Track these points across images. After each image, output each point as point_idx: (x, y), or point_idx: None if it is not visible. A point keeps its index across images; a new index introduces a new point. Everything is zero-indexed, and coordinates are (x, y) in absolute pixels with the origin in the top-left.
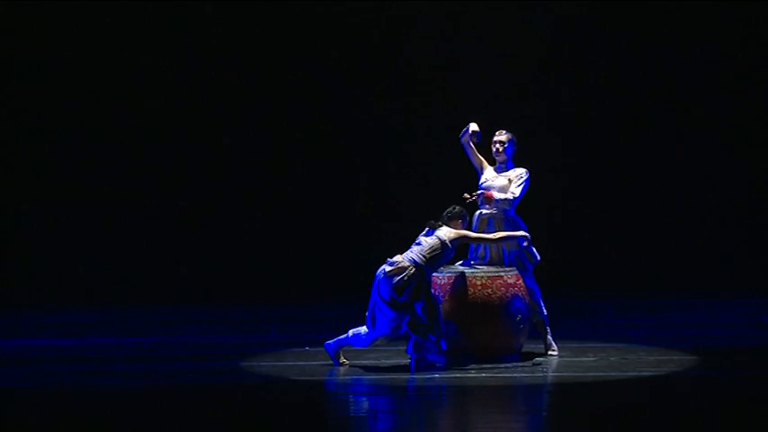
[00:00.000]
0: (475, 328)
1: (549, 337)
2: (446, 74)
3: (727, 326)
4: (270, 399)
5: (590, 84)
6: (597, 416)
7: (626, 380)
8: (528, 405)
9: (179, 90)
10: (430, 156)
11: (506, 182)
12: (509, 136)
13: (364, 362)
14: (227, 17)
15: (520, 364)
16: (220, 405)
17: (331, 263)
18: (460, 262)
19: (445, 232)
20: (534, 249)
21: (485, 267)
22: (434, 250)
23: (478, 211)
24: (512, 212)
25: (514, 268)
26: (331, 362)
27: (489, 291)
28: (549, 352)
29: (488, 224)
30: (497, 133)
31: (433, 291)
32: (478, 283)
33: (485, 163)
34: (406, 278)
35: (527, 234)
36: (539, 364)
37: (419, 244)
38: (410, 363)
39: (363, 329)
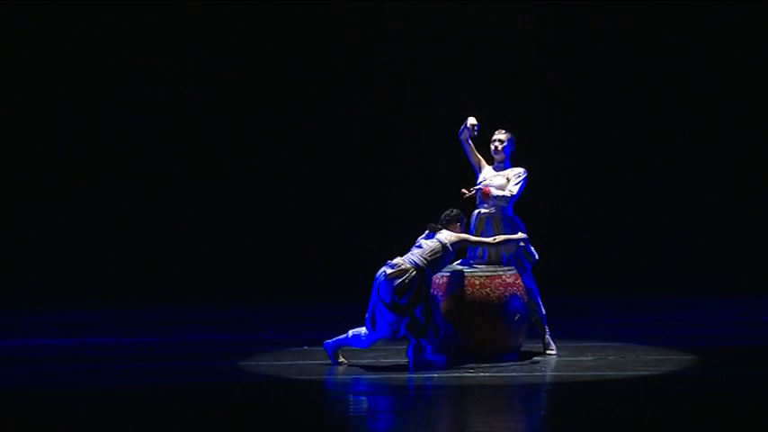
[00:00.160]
0: (473, 327)
1: (548, 336)
2: (446, 74)
3: (726, 325)
4: (268, 398)
5: (590, 83)
6: (595, 415)
7: (624, 379)
8: (526, 404)
9: (179, 90)
10: (429, 156)
11: (504, 180)
12: (508, 135)
13: (363, 361)
14: (226, 17)
15: (518, 363)
16: (219, 404)
17: (330, 263)
18: (459, 261)
19: (446, 235)
20: (533, 248)
21: (483, 267)
22: (435, 253)
23: (477, 211)
24: (510, 212)
25: (513, 268)
26: (330, 361)
27: (488, 290)
28: (548, 351)
29: (487, 223)
30: (497, 132)
31: (431, 290)
32: (477, 282)
33: (483, 162)
34: (407, 281)
35: (525, 235)
36: (536, 363)
37: (419, 247)
38: (408, 362)
39: (363, 331)
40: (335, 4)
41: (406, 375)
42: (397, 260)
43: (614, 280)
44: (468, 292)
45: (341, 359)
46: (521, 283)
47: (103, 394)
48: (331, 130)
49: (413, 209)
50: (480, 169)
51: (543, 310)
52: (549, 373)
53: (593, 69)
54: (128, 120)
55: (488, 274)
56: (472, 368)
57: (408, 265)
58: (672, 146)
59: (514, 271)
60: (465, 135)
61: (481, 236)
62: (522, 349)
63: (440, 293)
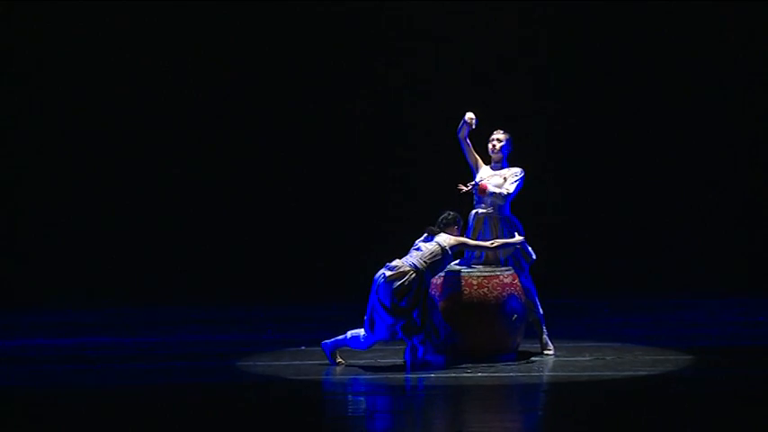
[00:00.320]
0: (471, 327)
1: (545, 336)
2: (446, 74)
3: (724, 325)
4: (266, 398)
5: (589, 83)
6: (593, 415)
7: (622, 379)
8: (524, 404)
9: (178, 89)
10: (429, 156)
11: (501, 180)
12: (507, 136)
13: (361, 361)
14: (226, 17)
15: (516, 363)
16: (217, 404)
17: (329, 263)
18: (457, 261)
19: (445, 239)
20: (530, 248)
21: (481, 267)
22: (435, 256)
23: (474, 211)
24: (507, 212)
25: (510, 268)
26: (327, 361)
27: (485, 290)
28: (545, 351)
29: (484, 223)
30: (495, 132)
31: (429, 291)
32: (475, 282)
33: (480, 161)
34: (406, 283)
35: (522, 238)
36: (534, 363)
37: (419, 249)
38: (405, 362)
39: (361, 332)
40: (335, 4)
41: (403, 375)
42: (396, 262)
43: (613, 280)
44: (465, 292)
45: (338, 359)
46: (518, 284)
47: (103, 394)
48: (331, 130)
49: (412, 209)
50: (477, 169)
51: (541, 309)
52: (547, 374)
53: (593, 69)
54: (127, 120)
55: (486, 274)
56: (470, 368)
57: (408, 268)
58: (672, 146)
59: (512, 271)
60: (464, 133)
61: (479, 236)
62: (520, 349)
63: (438, 294)
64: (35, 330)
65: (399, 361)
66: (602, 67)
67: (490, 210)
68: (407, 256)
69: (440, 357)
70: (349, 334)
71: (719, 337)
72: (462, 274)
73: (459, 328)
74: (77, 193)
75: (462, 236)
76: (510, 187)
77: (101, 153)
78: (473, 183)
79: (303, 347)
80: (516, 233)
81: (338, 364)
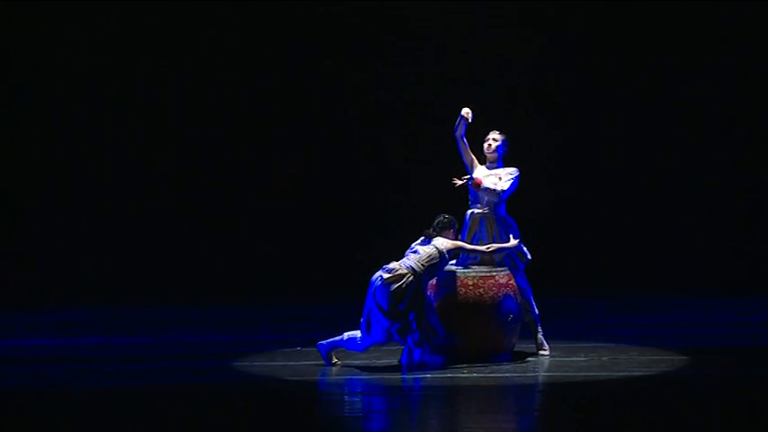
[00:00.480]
0: (467, 327)
1: (541, 336)
2: (445, 75)
3: (719, 326)
4: (262, 399)
5: (587, 83)
6: (588, 416)
7: (617, 380)
8: (519, 405)
9: (178, 89)
10: (428, 156)
11: (496, 179)
12: (503, 136)
13: (356, 362)
14: (226, 16)
15: (512, 363)
16: (213, 405)
17: (327, 263)
18: (453, 262)
19: (441, 242)
20: (525, 249)
21: (476, 267)
22: (432, 259)
23: (470, 211)
24: (503, 212)
25: (506, 268)
26: (323, 362)
27: (481, 291)
28: (541, 351)
29: (480, 223)
30: (491, 132)
31: (426, 292)
32: (470, 282)
33: (476, 161)
34: (404, 286)
35: (517, 242)
36: (529, 363)
37: (415, 252)
38: (401, 362)
39: (358, 334)
40: (335, 4)
41: (399, 376)
42: (393, 265)
43: (610, 280)
44: (461, 292)
45: (334, 360)
46: (514, 284)
47: (98, 394)
48: (330, 130)
49: (410, 209)
50: (473, 168)
51: (536, 310)
52: (542, 374)
53: (592, 69)
54: (127, 119)
55: (481, 274)
56: (465, 368)
57: (405, 270)
58: (671, 146)
59: (507, 271)
60: (461, 130)
61: (475, 236)
62: (516, 349)
63: (433, 294)
64: (34, 330)
65: (395, 362)
66: (602, 67)
67: (486, 210)
68: (404, 259)
69: (437, 358)
70: (346, 336)
71: (715, 338)
72: (458, 274)
73: (454, 328)
74: (75, 192)
75: (458, 237)
76: (504, 185)
77: (99, 153)
78: (467, 177)
79: (299, 348)
80: (511, 236)
81: (334, 364)
